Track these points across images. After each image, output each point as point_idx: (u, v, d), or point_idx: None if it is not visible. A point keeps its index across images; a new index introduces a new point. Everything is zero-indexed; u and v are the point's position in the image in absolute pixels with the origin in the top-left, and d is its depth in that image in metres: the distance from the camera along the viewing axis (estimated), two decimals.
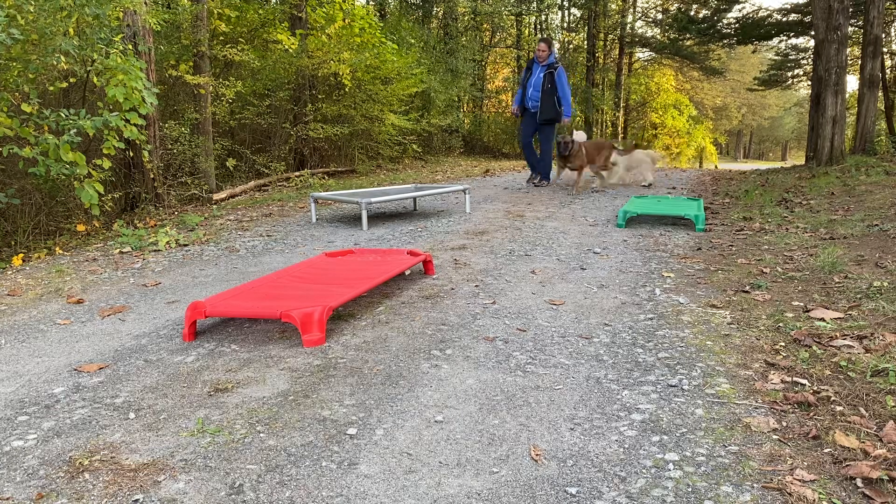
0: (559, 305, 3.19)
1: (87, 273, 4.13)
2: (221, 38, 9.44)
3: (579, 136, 8.38)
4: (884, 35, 13.72)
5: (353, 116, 11.23)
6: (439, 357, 2.51)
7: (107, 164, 4.97)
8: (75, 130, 4.54)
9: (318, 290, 3.00)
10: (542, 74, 8.10)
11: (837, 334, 2.56)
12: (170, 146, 7.42)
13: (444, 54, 16.45)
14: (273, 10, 10.84)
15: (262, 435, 1.90)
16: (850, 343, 2.46)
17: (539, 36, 8.45)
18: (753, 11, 18.01)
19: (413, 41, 14.67)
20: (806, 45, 19.37)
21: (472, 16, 18.62)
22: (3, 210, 4.87)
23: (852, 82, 19.00)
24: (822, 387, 2.12)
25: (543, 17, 22.71)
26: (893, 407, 1.93)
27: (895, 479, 1.57)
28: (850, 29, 12.04)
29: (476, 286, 3.57)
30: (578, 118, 21.28)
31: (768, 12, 17.45)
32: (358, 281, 3.16)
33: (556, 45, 9.80)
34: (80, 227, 5.42)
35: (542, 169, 8.64)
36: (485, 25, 20.08)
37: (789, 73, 21.32)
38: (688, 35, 19.13)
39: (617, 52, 23.58)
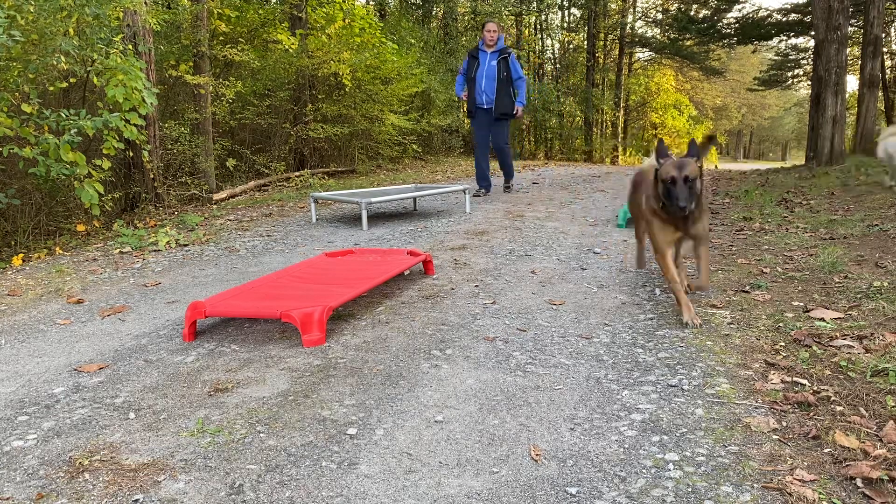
0: (559, 305, 3.19)
1: (87, 273, 4.13)
2: (221, 38, 9.44)
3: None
4: (884, 35, 13.73)
5: (353, 116, 11.23)
6: (439, 357, 2.51)
7: (107, 164, 4.97)
8: (75, 130, 4.54)
9: (318, 290, 3.00)
10: (494, 63, 6.99)
11: (837, 334, 2.56)
12: (170, 146, 7.42)
13: (444, 54, 16.46)
14: (273, 10, 10.84)
15: (262, 435, 1.90)
16: (850, 343, 2.46)
17: (487, 19, 6.74)
18: (753, 11, 18.03)
19: (413, 41, 14.67)
20: (806, 45, 19.38)
21: (472, 16, 18.62)
22: (3, 210, 4.87)
23: (852, 82, 18.99)
24: (822, 387, 2.12)
25: (543, 17, 22.72)
26: (893, 407, 1.93)
27: (895, 479, 1.57)
28: (850, 29, 12.05)
29: (476, 286, 3.57)
30: (578, 118, 21.24)
31: (768, 12, 17.48)
32: (358, 281, 3.16)
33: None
34: (80, 227, 5.42)
35: (487, 177, 7.45)
36: None
37: (789, 73, 21.33)
38: (688, 35, 19.14)
39: (617, 52, 23.57)
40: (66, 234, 5.34)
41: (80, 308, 3.34)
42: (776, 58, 21.42)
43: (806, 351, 2.43)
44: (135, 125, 5.04)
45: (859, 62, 11.59)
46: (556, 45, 23.87)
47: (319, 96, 11.12)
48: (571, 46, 23.37)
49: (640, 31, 24.32)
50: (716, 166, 25.59)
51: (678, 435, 1.86)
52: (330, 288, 3.04)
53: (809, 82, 13.39)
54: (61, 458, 1.78)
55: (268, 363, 2.47)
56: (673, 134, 25.42)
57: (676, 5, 21.07)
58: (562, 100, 20.45)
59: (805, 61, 19.80)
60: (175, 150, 7.48)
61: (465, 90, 7.27)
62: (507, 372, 2.35)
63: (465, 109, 8.22)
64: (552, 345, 2.63)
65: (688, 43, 20.11)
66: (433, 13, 18.30)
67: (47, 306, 3.39)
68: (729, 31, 18.01)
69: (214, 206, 7.07)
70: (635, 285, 3.56)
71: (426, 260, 3.82)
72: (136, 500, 1.58)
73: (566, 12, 23.30)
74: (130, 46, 5.68)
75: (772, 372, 2.27)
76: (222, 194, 7.71)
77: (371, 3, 16.34)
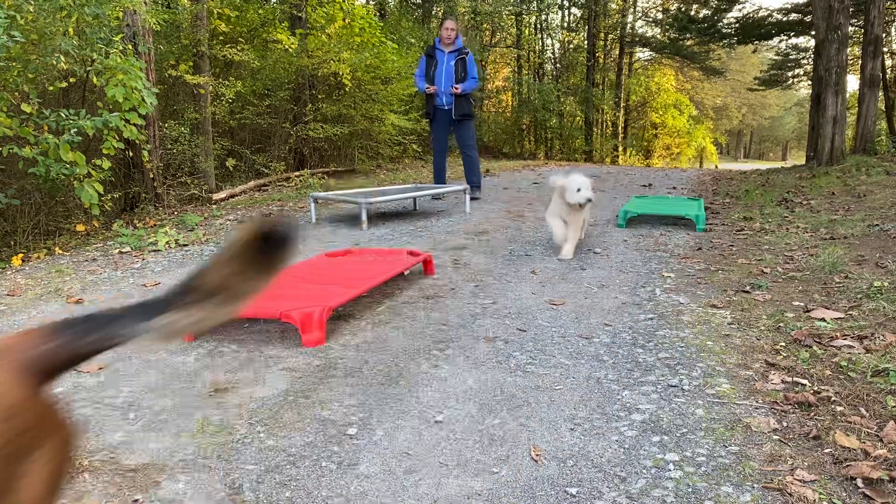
0: (559, 305, 3.19)
1: (87, 273, 4.13)
2: (221, 37, 9.43)
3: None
4: (884, 35, 13.71)
5: (353, 116, 11.22)
6: (439, 357, 2.51)
7: (106, 164, 4.97)
8: (75, 130, 4.54)
9: (317, 290, 3.00)
10: (452, 63, 6.69)
11: (838, 334, 2.56)
12: (170, 146, 7.42)
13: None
14: (273, 9, 10.84)
15: (261, 435, 1.90)
16: (851, 343, 2.45)
17: (446, 17, 6.00)
18: (753, 11, 18.01)
19: (413, 41, 14.66)
20: (806, 44, 19.36)
21: (472, 16, 18.62)
22: (3, 210, 4.87)
23: (852, 82, 18.98)
24: (823, 387, 2.11)
25: (543, 17, 22.71)
26: (894, 407, 1.93)
27: (895, 479, 1.57)
28: (850, 29, 12.03)
29: (476, 286, 3.57)
30: (578, 118, 21.21)
31: (768, 12, 17.45)
32: (358, 281, 3.16)
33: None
34: (80, 227, 5.41)
35: (470, 181, 7.04)
36: (485, 25, 20.07)
37: (789, 73, 21.31)
38: (688, 35, 19.13)
39: (617, 52, 23.55)
40: (65, 234, 5.33)
41: (80, 308, 3.34)
42: (776, 57, 21.41)
43: (806, 351, 2.43)
44: (135, 125, 5.03)
45: (860, 62, 11.58)
46: (556, 45, 23.86)
47: (319, 96, 11.12)
48: (571, 46, 23.34)
49: (640, 30, 24.32)
50: (716, 166, 25.62)
51: (678, 435, 1.86)
52: (330, 288, 3.04)
53: (810, 82, 13.39)
54: None
55: (268, 363, 2.47)
56: (673, 134, 25.42)
57: (676, 5, 21.05)
58: (562, 100, 20.44)
59: (805, 61, 19.78)
60: (175, 150, 7.48)
61: (428, 85, 6.86)
62: (508, 372, 2.35)
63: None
64: (552, 345, 2.63)
65: (688, 43, 20.11)
66: (433, 13, 18.30)
67: (47, 306, 3.39)
68: (729, 30, 18.00)
69: (214, 206, 7.06)
70: (635, 285, 3.56)
71: (426, 260, 3.81)
72: (136, 500, 1.58)
73: (566, 12, 23.30)
74: (130, 46, 5.67)
75: (772, 372, 2.26)
76: (222, 194, 7.71)
77: (371, 2, 16.34)
